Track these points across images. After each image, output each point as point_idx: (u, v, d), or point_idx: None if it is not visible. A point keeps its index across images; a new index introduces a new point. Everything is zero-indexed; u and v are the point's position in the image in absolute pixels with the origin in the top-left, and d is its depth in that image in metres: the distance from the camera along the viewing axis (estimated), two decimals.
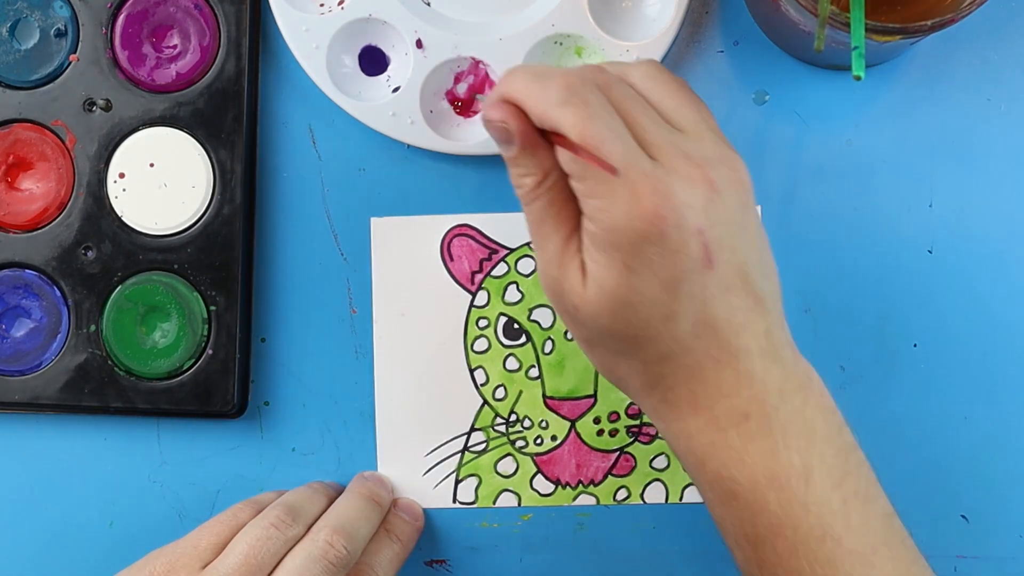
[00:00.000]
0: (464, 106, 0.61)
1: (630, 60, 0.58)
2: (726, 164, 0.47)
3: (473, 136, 0.60)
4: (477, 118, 0.61)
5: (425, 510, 0.61)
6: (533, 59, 0.59)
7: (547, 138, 0.47)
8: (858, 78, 0.47)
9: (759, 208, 0.60)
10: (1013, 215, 0.60)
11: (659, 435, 0.51)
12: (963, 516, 0.60)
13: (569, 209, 0.47)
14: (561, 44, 0.60)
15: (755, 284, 0.47)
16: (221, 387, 0.60)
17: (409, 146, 0.61)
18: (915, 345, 0.60)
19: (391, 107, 0.60)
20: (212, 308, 0.60)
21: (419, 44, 0.59)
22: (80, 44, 0.61)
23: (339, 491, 0.60)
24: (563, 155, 0.45)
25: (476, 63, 0.60)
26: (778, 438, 0.46)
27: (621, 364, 0.48)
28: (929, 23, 0.49)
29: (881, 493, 0.49)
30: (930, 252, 0.60)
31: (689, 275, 0.45)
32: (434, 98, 0.60)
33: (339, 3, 0.60)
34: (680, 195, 0.44)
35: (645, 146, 0.46)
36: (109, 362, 0.60)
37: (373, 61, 0.61)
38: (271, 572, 0.52)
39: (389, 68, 0.61)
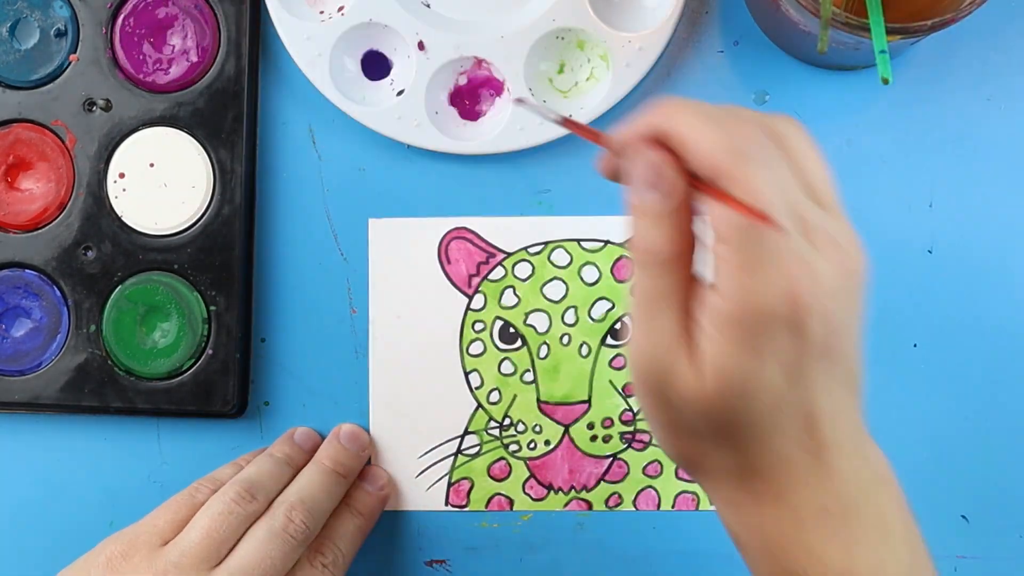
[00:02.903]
0: (469, 107, 0.61)
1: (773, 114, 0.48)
2: (855, 248, 0.42)
3: (479, 135, 0.60)
4: (483, 119, 0.61)
5: (421, 512, 0.61)
6: (536, 55, 0.60)
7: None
8: (886, 81, 0.47)
9: None
10: (1013, 215, 0.60)
11: (721, 519, 0.47)
12: (963, 516, 0.60)
13: (689, 289, 0.42)
14: (563, 39, 0.60)
15: (854, 367, 0.44)
16: (221, 387, 0.60)
17: (409, 146, 0.61)
18: (915, 345, 0.60)
19: (396, 111, 0.60)
20: (212, 308, 0.60)
21: (421, 46, 0.59)
22: (80, 44, 0.61)
23: (312, 447, 0.60)
24: (724, 216, 0.40)
25: (479, 62, 0.60)
26: (856, 535, 0.44)
27: (706, 452, 0.44)
28: (929, 23, 0.49)
29: None
30: (930, 252, 0.60)
31: (808, 362, 0.41)
32: (439, 99, 0.60)
33: (339, 9, 0.60)
34: (824, 281, 0.40)
35: (797, 219, 0.41)
36: (109, 362, 0.60)
37: (376, 65, 0.61)
38: (232, 547, 0.52)
39: (392, 71, 0.61)
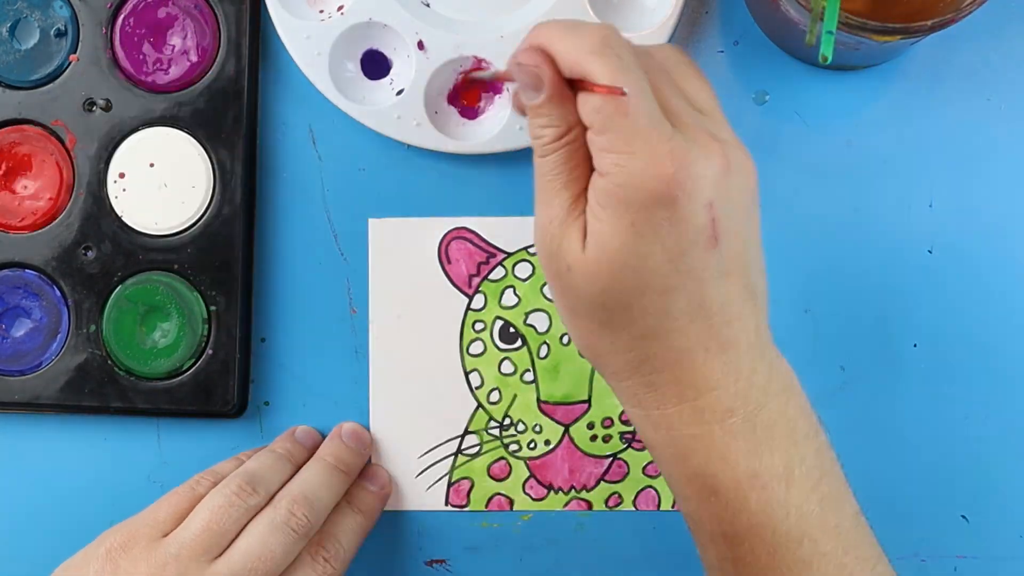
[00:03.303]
0: (468, 107, 0.61)
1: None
2: (740, 150, 0.47)
3: (480, 135, 0.60)
4: (482, 119, 0.61)
5: (421, 512, 0.61)
6: None
7: (573, 92, 0.46)
8: (825, 59, 0.47)
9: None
10: (1013, 215, 0.60)
11: (634, 426, 0.49)
12: (963, 516, 0.60)
13: (581, 169, 0.46)
14: None
15: (752, 276, 0.47)
16: (221, 387, 0.60)
17: (409, 146, 0.61)
18: (915, 345, 0.60)
19: (396, 110, 0.60)
20: (212, 308, 0.60)
21: (421, 46, 0.59)
22: (80, 44, 0.61)
23: (313, 445, 0.60)
24: (587, 104, 0.45)
25: (479, 62, 0.60)
26: (761, 437, 0.46)
27: (605, 338, 0.47)
28: (929, 23, 0.49)
29: (850, 492, 0.49)
30: (930, 252, 0.60)
31: (693, 248, 0.44)
32: (438, 99, 0.60)
33: (338, 8, 0.60)
34: (697, 164, 0.44)
35: (668, 115, 0.45)
36: (109, 362, 0.60)
37: (375, 65, 0.61)
38: (233, 540, 0.53)
39: (392, 71, 0.61)
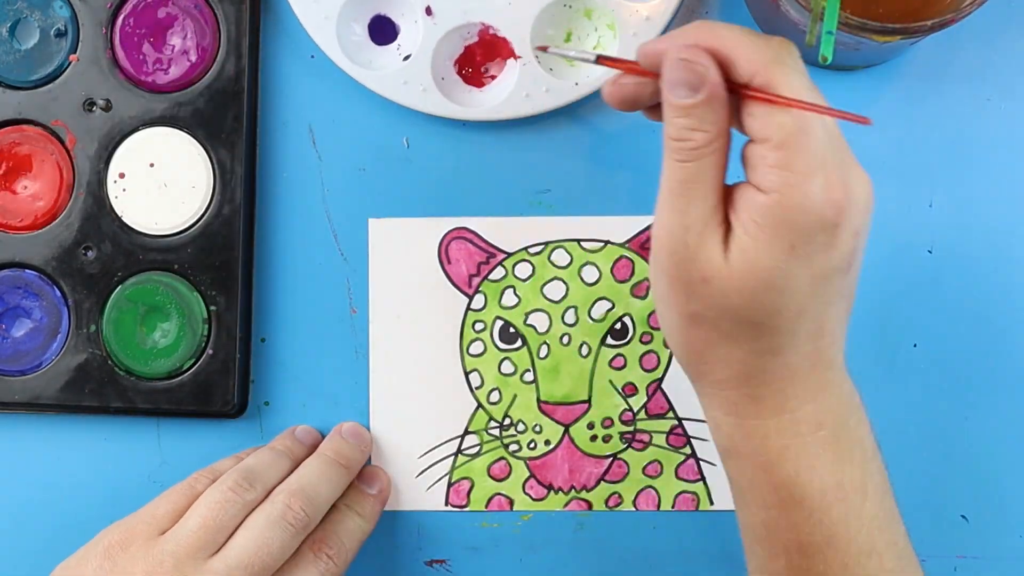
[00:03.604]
0: (473, 75, 0.61)
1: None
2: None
3: (486, 102, 0.60)
4: (488, 86, 0.60)
5: (421, 512, 0.61)
6: (542, 23, 0.59)
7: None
8: (825, 60, 0.47)
9: None
10: (1013, 215, 0.60)
11: (714, 433, 0.49)
12: (963, 516, 0.60)
13: (721, 178, 0.45)
14: (570, 7, 0.59)
15: (853, 299, 0.47)
16: (221, 387, 0.60)
17: (409, 146, 0.61)
18: (915, 345, 0.60)
19: (402, 75, 0.59)
20: (212, 308, 0.60)
21: (428, 11, 0.59)
22: (80, 44, 0.61)
23: (313, 444, 0.60)
24: (769, 117, 0.43)
25: (486, 28, 0.59)
26: (844, 451, 0.47)
27: (721, 349, 0.46)
28: (929, 23, 0.49)
29: (899, 513, 0.50)
30: (930, 252, 0.60)
31: (834, 274, 0.44)
32: (445, 65, 0.60)
33: None
34: (856, 191, 0.43)
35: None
36: (109, 362, 0.60)
37: (383, 30, 0.61)
38: (230, 536, 0.53)
39: (399, 36, 0.61)
